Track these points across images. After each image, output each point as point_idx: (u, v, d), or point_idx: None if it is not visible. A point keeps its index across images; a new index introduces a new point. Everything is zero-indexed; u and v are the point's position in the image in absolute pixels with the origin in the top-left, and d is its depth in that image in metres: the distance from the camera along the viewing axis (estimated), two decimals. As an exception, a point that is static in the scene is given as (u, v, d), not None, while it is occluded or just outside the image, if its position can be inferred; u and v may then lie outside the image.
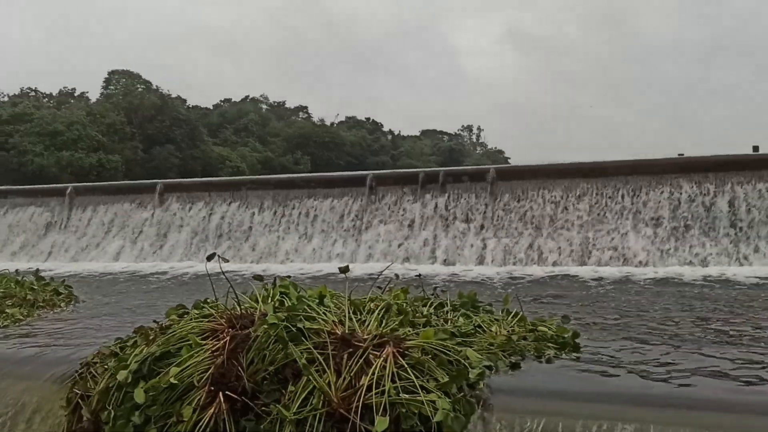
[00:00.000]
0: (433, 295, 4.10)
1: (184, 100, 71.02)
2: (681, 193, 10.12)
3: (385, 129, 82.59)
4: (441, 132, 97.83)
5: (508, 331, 3.69)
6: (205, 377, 2.80)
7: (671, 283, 7.58)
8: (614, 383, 2.99)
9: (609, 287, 7.39)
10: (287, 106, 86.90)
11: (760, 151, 12.02)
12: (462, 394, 2.68)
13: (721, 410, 2.56)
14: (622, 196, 10.46)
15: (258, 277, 3.53)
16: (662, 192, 10.25)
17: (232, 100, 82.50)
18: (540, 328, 3.92)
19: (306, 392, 2.70)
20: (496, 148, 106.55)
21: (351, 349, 2.82)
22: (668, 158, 11.31)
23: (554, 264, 10.02)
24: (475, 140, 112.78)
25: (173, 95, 67.47)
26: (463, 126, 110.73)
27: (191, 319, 3.25)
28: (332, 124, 79.38)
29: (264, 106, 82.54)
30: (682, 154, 12.19)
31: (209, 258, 3.31)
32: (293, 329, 2.93)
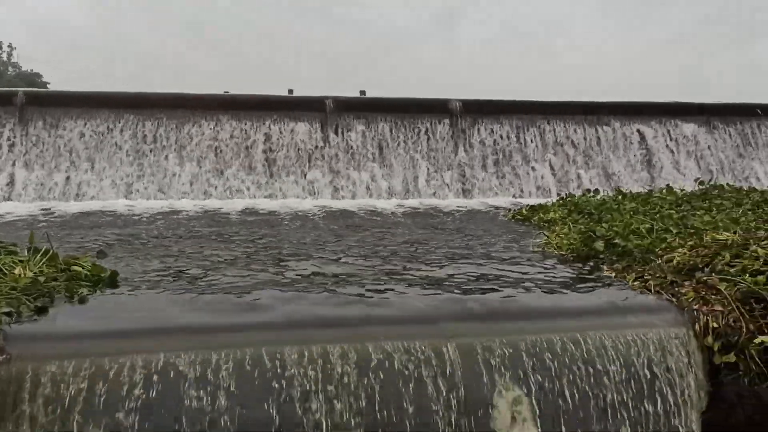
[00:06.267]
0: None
1: None
2: (223, 129, 10.59)
3: None
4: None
5: (35, 273, 3.40)
6: None
7: (211, 216, 7.92)
8: (149, 316, 2.98)
9: (150, 220, 7.35)
10: None
11: (295, 94, 13.20)
12: (-32, 348, 2.33)
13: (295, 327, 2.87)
14: (166, 130, 10.44)
15: None
16: (207, 127, 10.55)
17: None
18: (73, 266, 3.68)
19: None
20: (32, 70, 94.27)
21: None
22: (214, 95, 11.64)
23: (93, 198, 9.51)
24: (6, 59, 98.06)
25: None
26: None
27: None
28: None
29: None
30: (228, 92, 12.66)
31: None
32: None
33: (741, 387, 1.79)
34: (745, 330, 3.11)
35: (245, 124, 10.74)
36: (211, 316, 3.02)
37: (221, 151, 10.42)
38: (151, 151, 10.24)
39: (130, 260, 4.55)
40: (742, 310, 3.20)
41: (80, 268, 3.66)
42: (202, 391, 2.46)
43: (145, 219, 7.51)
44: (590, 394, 2.85)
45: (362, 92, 13.45)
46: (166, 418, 2.40)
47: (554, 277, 4.08)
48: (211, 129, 10.56)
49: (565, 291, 3.68)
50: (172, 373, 2.47)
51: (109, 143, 10.21)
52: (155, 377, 2.45)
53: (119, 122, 10.36)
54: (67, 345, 2.56)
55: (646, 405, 2.88)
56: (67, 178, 9.75)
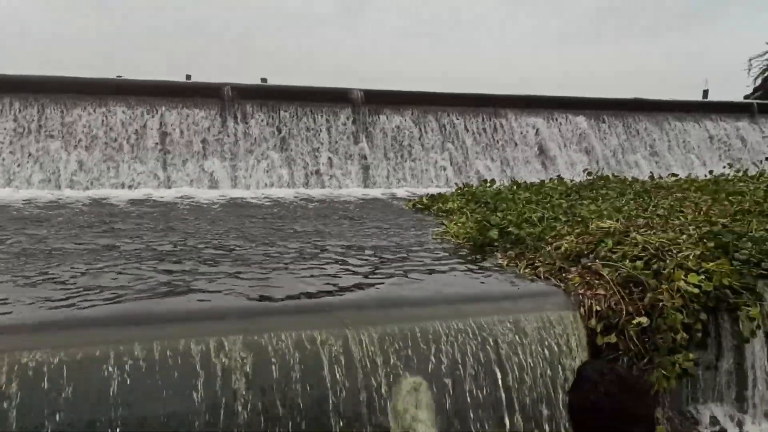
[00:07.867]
0: None
1: None
2: (114, 115, 10.08)
3: None
4: None
5: None
6: None
7: (99, 207, 7.54)
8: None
9: (32, 212, 6.91)
10: None
11: (193, 80, 12.69)
12: None
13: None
14: (50, 115, 9.82)
15: None
16: (96, 112, 10.02)
17: None
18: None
19: None
20: None
21: None
22: (102, 78, 11.03)
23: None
24: None
25: None
26: None
27: None
28: None
29: None
30: (120, 76, 12.06)
31: None
32: None
33: (602, 365, 1.92)
34: (624, 312, 3.29)
35: (138, 110, 10.27)
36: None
37: (112, 138, 9.93)
38: (34, 138, 9.61)
39: (4, 258, 4.27)
40: (623, 294, 3.39)
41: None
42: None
43: (27, 210, 7.05)
44: (483, 376, 2.93)
45: (263, 79, 13.18)
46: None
47: (450, 265, 4.17)
48: (100, 115, 10.02)
49: (460, 278, 3.77)
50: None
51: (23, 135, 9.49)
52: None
53: (15, 105, 9.65)
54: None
55: (534, 385, 2.99)
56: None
